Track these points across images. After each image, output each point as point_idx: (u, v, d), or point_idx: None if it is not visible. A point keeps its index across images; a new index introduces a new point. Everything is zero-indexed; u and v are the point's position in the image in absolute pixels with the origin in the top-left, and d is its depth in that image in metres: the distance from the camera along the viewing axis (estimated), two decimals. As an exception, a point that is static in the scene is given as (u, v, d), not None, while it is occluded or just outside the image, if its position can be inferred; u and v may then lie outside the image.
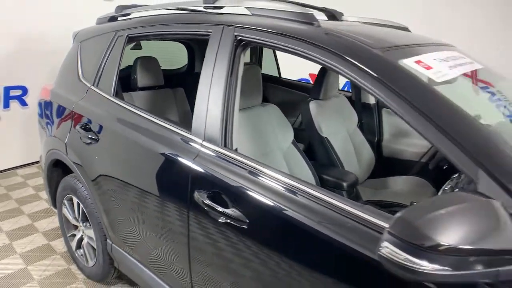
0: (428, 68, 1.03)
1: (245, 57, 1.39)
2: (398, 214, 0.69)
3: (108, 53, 1.92)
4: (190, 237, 1.33)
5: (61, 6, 3.71)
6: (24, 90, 3.72)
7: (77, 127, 1.91)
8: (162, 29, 1.69)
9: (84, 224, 2.15)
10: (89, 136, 1.82)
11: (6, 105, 3.67)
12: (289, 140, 1.87)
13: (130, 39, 1.85)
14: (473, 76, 1.55)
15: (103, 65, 1.94)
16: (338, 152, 2.09)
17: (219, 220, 1.19)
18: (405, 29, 1.98)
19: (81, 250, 2.25)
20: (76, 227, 2.26)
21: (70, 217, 2.25)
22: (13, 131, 3.73)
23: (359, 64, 1.00)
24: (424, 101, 0.89)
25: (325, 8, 2.08)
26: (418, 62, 1.04)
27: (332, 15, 2.01)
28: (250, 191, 1.16)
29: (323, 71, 2.18)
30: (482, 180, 0.78)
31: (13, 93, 3.66)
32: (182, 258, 1.41)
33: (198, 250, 1.34)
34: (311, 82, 5.07)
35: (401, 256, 0.66)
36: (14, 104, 3.70)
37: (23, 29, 3.52)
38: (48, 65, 3.47)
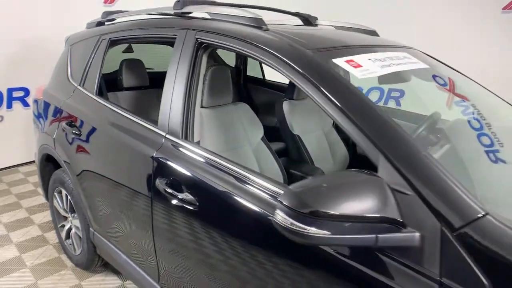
0: (357, 66, 1.15)
1: (207, 58, 1.52)
2: (289, 187, 0.81)
3: (93, 55, 2.08)
4: (154, 220, 1.47)
5: (62, 12, 3.89)
6: (26, 92, 3.91)
7: (63, 123, 2.07)
8: (139, 33, 1.84)
9: (72, 215, 2.30)
10: (73, 132, 1.97)
11: (9, 106, 3.86)
12: (259, 137, 1.99)
13: (112, 42, 2.01)
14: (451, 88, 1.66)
15: (88, 66, 2.09)
16: (309, 149, 2.20)
17: (175, 203, 1.32)
18: (373, 32, 2.08)
19: (70, 240, 2.40)
20: (65, 218, 2.41)
21: (60, 209, 2.41)
22: (16, 131, 3.91)
23: (290, 63, 1.12)
24: (342, 97, 1.01)
25: (298, 13, 2.21)
26: (348, 61, 1.16)
27: (307, 20, 2.14)
28: (200, 177, 1.29)
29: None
30: (381, 164, 0.89)
31: (16, 94, 3.86)
32: (148, 241, 1.55)
33: (160, 233, 1.47)
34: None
35: (289, 222, 0.77)
36: (17, 104, 3.89)
37: (26, 34, 3.70)
38: (49, 67, 3.65)
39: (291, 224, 0.76)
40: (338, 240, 0.77)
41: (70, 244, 2.40)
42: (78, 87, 2.12)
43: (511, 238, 0.75)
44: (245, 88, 3.17)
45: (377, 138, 0.92)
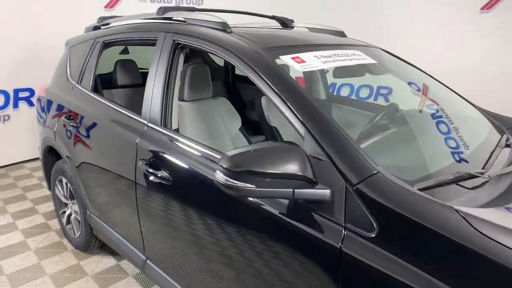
0: (301, 62, 1.37)
1: (184, 57, 1.76)
2: (226, 153, 1.03)
3: (89, 56, 2.33)
4: (137, 197, 1.70)
5: (65, 17, 4.15)
6: (32, 92, 4.17)
7: (63, 117, 2.32)
8: (127, 36, 2.09)
9: (72, 201, 2.55)
10: (71, 124, 2.22)
11: (15, 106, 4.14)
12: (237, 127, 2.22)
13: (105, 45, 2.25)
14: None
15: (85, 66, 2.34)
16: (285, 139, 2.43)
17: (153, 179, 1.56)
18: (341, 33, 2.30)
19: (70, 225, 2.64)
20: (66, 205, 2.65)
21: (61, 196, 2.65)
22: (22, 129, 4.17)
23: (245, 60, 1.35)
24: (280, 86, 1.23)
25: (275, 16, 2.44)
26: (294, 57, 1.38)
27: (283, 22, 2.37)
28: (173, 157, 1.52)
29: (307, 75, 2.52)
30: (306, 138, 1.12)
31: (21, 94, 4.13)
32: (134, 216, 1.78)
33: (143, 207, 1.71)
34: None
35: (225, 179, 0.99)
36: (23, 104, 4.16)
37: (31, 38, 3.97)
38: (53, 69, 3.91)
39: (226, 180, 0.99)
40: (261, 192, 0.99)
41: (70, 229, 2.64)
42: (76, 85, 2.36)
43: (395, 190, 0.97)
44: (233, 86, 3.40)
45: (304, 119, 1.15)
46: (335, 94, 5.46)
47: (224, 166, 0.98)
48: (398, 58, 2.13)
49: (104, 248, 2.60)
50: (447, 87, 2.13)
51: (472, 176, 1.12)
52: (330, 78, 2.49)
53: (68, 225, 2.67)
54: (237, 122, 2.23)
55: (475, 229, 0.84)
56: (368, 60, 1.70)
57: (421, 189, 0.99)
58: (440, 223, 0.88)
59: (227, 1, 5.27)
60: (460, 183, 1.10)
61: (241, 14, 2.39)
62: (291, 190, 0.99)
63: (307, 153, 1.09)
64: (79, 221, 2.49)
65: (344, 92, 5.25)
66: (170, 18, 1.90)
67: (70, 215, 2.61)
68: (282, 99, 1.21)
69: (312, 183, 1.02)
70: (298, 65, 1.35)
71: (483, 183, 1.12)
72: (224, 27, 1.56)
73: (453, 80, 4.27)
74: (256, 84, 1.31)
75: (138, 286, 2.28)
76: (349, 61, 1.58)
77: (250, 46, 1.41)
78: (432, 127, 1.61)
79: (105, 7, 4.57)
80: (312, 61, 1.41)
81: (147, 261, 1.84)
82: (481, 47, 4.22)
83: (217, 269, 1.38)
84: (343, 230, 1.00)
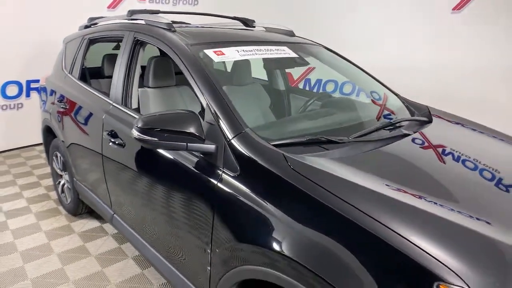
0: (221, 54, 1.77)
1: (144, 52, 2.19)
2: (140, 116, 1.45)
3: (78, 50, 2.80)
4: (103, 160, 2.15)
5: (71, 16, 4.64)
6: (42, 83, 4.72)
7: (56, 101, 2.80)
8: (105, 34, 2.54)
9: (64, 172, 3.03)
10: (61, 106, 2.69)
11: (28, 95, 4.69)
12: (197, 111, 2.63)
13: (90, 41, 2.72)
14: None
15: (75, 58, 2.81)
16: None
17: (113, 145, 2.00)
18: (290, 32, 2.68)
19: (64, 194, 3.13)
20: (60, 176, 3.15)
21: (57, 169, 3.15)
22: (33, 116, 4.70)
23: (176, 53, 1.76)
24: (197, 74, 1.63)
25: (236, 17, 2.84)
26: (215, 51, 1.78)
27: (245, 22, 2.77)
28: (125, 128, 1.94)
29: (235, 64, 2.93)
30: (206, 110, 1.53)
31: (33, 85, 4.67)
32: (102, 177, 2.24)
33: (107, 168, 2.17)
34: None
35: (137, 134, 1.41)
36: (34, 94, 4.70)
37: (41, 36, 4.49)
38: (59, 63, 4.45)
39: (138, 135, 1.41)
40: (162, 144, 1.40)
41: (64, 196, 3.13)
42: (68, 74, 2.84)
43: (252, 144, 1.37)
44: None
45: (206, 96, 1.55)
46: (321, 89, 5.85)
47: (137, 125, 1.40)
48: (337, 55, 2.53)
49: (91, 214, 3.08)
50: (375, 78, 2.50)
51: (330, 141, 1.49)
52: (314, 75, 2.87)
53: (62, 194, 3.16)
54: (197, 107, 2.64)
55: (290, 166, 1.24)
56: (290, 55, 2.09)
57: (276, 145, 1.38)
58: (273, 163, 1.27)
59: (219, 2, 5.72)
60: (324, 145, 1.48)
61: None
62: (185, 143, 1.41)
63: (205, 120, 1.50)
64: (70, 188, 2.97)
65: (329, 87, 5.60)
66: (135, 20, 2.33)
67: (63, 184, 3.10)
68: (195, 82, 1.62)
69: (201, 140, 1.43)
70: (216, 57, 1.76)
71: (342, 147, 1.49)
72: (169, 27, 1.98)
73: (425, 77, 4.58)
74: (182, 71, 1.72)
75: (115, 243, 2.73)
76: (269, 55, 1.98)
77: (183, 42, 1.82)
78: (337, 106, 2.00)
79: (108, 7, 5.07)
80: (231, 53, 1.82)
81: (114, 215, 2.29)
82: (451, 46, 4.48)
83: (152, 209, 1.81)
84: (221, 172, 1.40)
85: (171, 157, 1.64)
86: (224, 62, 4.01)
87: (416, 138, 1.68)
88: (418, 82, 4.75)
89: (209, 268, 1.47)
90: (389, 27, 4.85)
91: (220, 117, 1.47)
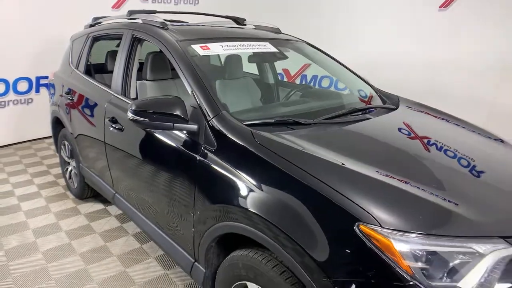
0: (206, 48, 2.02)
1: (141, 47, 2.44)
2: (134, 101, 1.71)
3: (83, 47, 3.07)
4: (106, 144, 2.42)
5: (79, 15, 4.92)
6: (50, 79, 5.01)
7: (64, 93, 3.08)
8: (107, 32, 2.81)
9: (72, 159, 3.31)
10: (68, 98, 2.97)
11: (37, 90, 4.99)
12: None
13: (94, 39, 2.99)
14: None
15: (81, 54, 3.09)
16: None
17: (113, 130, 2.27)
18: (277, 29, 2.93)
19: (71, 179, 3.41)
20: (68, 163, 3.43)
21: (64, 156, 3.43)
22: (42, 110, 4.99)
23: (167, 48, 2.01)
24: (184, 66, 1.88)
25: (228, 16, 3.09)
26: (202, 46, 2.03)
27: (236, 21, 3.02)
28: (124, 114, 2.20)
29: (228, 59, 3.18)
30: (191, 96, 1.78)
31: (42, 81, 4.97)
32: (104, 159, 2.51)
33: (109, 151, 2.43)
34: (284, 76, 6.02)
35: (131, 116, 1.66)
36: (43, 89, 5.00)
37: (50, 34, 4.78)
38: (66, 60, 4.73)
39: (132, 116, 1.66)
40: (152, 124, 1.66)
41: (71, 182, 3.41)
42: (74, 69, 3.12)
43: (227, 123, 1.61)
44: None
45: (191, 84, 1.81)
46: (316, 85, 6.07)
47: (132, 108, 1.66)
48: (319, 50, 2.77)
49: (96, 198, 3.36)
50: (351, 71, 2.73)
51: (297, 122, 1.74)
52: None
53: (70, 180, 3.44)
54: (190, 98, 2.90)
55: (255, 140, 1.49)
56: (271, 50, 2.34)
57: (248, 125, 1.62)
58: (242, 138, 1.53)
59: (220, 1, 5.97)
60: (291, 126, 1.72)
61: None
62: (171, 124, 1.66)
63: (190, 104, 1.75)
64: (76, 174, 3.25)
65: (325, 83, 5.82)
66: (134, 19, 2.59)
67: (71, 171, 3.38)
68: (182, 73, 1.88)
69: (185, 121, 1.68)
70: (202, 51, 2.02)
71: (307, 127, 1.73)
72: (163, 25, 2.24)
73: (413, 72, 4.79)
74: (172, 63, 1.98)
75: (117, 222, 3.01)
76: (251, 50, 2.24)
77: (173, 38, 2.07)
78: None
79: (112, 7, 5.34)
80: (215, 48, 2.07)
81: (116, 194, 2.56)
82: (438, 43, 4.68)
83: (147, 185, 2.08)
84: (202, 148, 1.66)
85: (162, 138, 1.90)
86: (219, 58, 4.30)
87: (375, 121, 1.92)
88: (406, 77, 4.97)
89: (193, 229, 1.73)
90: (378, 25, 5.06)
91: (202, 101, 1.73)
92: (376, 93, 2.54)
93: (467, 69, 4.51)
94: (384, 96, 2.51)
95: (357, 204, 1.16)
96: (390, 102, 2.39)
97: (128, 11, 2.59)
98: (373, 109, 2.18)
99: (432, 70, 4.79)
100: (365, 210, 1.14)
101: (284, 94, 2.82)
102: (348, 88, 2.70)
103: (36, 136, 5.14)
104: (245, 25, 2.99)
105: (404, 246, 1.08)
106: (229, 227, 1.49)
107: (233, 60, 2.46)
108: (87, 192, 3.25)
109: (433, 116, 2.23)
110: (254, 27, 2.92)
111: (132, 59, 2.41)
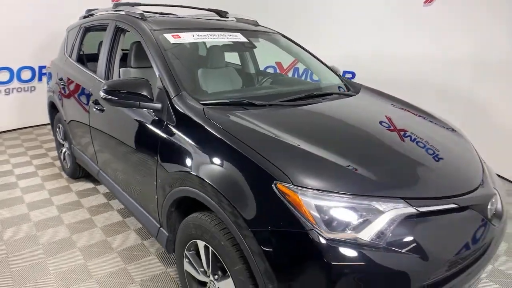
0: (177, 37, 2.23)
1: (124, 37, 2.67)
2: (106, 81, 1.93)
3: (76, 37, 3.31)
4: (90, 124, 2.67)
5: (80, 7, 5.17)
6: (52, 69, 5.28)
7: (57, 80, 3.33)
8: (96, 23, 3.04)
9: (65, 141, 3.57)
10: (61, 84, 3.22)
11: (40, 79, 5.27)
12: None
13: (86, 29, 3.22)
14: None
15: (74, 44, 3.33)
16: None
17: (95, 110, 2.51)
18: (255, 22, 3.13)
19: (65, 161, 3.67)
20: (62, 145, 3.68)
21: (59, 139, 3.69)
22: (45, 98, 5.24)
23: (143, 37, 2.23)
24: (154, 53, 2.10)
25: (210, 9, 3.30)
26: (173, 35, 2.24)
27: (219, 13, 3.23)
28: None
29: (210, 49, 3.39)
30: (158, 79, 2.00)
31: (44, 70, 5.23)
32: (89, 139, 2.75)
33: (93, 131, 2.67)
34: (277, 69, 6.20)
35: (103, 95, 1.89)
36: (45, 78, 5.26)
37: (52, 25, 5.03)
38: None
39: (104, 95, 1.88)
40: (121, 102, 1.87)
41: (65, 162, 3.67)
42: (68, 58, 3.36)
43: (185, 102, 1.82)
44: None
45: (158, 68, 2.02)
46: (308, 78, 6.24)
47: (104, 88, 1.89)
48: (292, 42, 2.97)
49: (87, 178, 3.61)
50: (321, 61, 2.92)
51: (252, 104, 1.94)
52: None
53: (64, 161, 3.70)
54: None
55: (206, 116, 1.70)
56: (241, 40, 2.54)
57: (204, 104, 1.83)
58: (195, 114, 1.74)
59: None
60: (247, 107, 1.93)
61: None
62: (138, 102, 1.88)
63: (157, 86, 1.97)
64: (69, 155, 3.51)
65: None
66: (119, 11, 2.81)
67: (65, 152, 3.64)
68: (153, 58, 2.10)
69: (151, 100, 1.90)
70: (173, 39, 2.23)
71: (261, 108, 1.94)
72: (141, 16, 2.45)
73: (398, 67, 4.93)
74: (145, 50, 2.20)
75: (104, 199, 3.25)
76: (221, 39, 2.44)
77: (148, 28, 2.29)
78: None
79: (112, 0, 5.58)
80: (186, 37, 2.28)
81: (100, 170, 2.80)
82: (424, 38, 4.81)
83: (121, 158, 2.31)
84: (164, 123, 1.88)
85: (134, 117, 2.12)
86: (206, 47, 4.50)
87: (326, 104, 2.12)
88: (393, 72, 5.12)
89: (156, 196, 1.95)
90: (364, 21, 5.22)
91: (167, 83, 1.94)
92: (342, 81, 2.73)
93: (445, 63, 4.63)
94: (349, 84, 2.69)
95: (277, 167, 1.37)
96: (353, 90, 2.58)
97: (114, 3, 2.82)
98: (333, 94, 2.38)
99: (416, 65, 4.93)
100: (282, 171, 1.35)
101: (258, 81, 3.03)
102: (317, 76, 2.90)
103: (38, 122, 5.43)
104: (227, 17, 3.20)
105: (310, 201, 1.28)
106: (183, 191, 1.71)
107: (216, 52, 2.68)
108: (78, 172, 3.51)
109: (383, 100, 2.43)
110: (235, 20, 3.13)
111: (115, 47, 2.63)
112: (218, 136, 1.59)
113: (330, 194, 1.30)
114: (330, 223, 1.28)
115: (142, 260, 2.42)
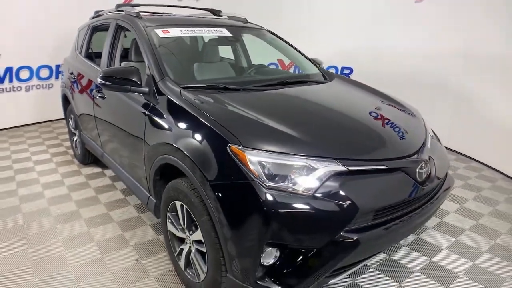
0: (166, 32, 2.56)
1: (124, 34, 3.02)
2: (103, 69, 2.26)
3: (85, 36, 3.70)
4: (95, 111, 3.03)
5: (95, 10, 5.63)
6: (68, 67, 5.72)
7: (69, 74, 3.72)
8: (101, 23, 3.41)
9: (76, 130, 3.96)
10: (72, 78, 3.61)
11: (57, 77, 5.72)
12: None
13: (93, 28, 3.60)
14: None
15: (83, 42, 3.72)
16: None
17: (98, 98, 2.87)
18: (244, 19, 3.44)
19: (76, 148, 4.07)
20: (74, 134, 4.08)
21: (71, 128, 4.09)
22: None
23: (136, 33, 2.57)
24: (144, 47, 2.43)
25: (205, 8, 3.63)
26: (163, 30, 2.57)
27: (213, 12, 3.56)
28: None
29: (204, 46, 3.72)
30: (146, 66, 2.33)
31: (61, 69, 5.69)
32: (94, 124, 3.12)
33: (97, 116, 3.03)
34: (279, 66, 6.49)
35: (100, 81, 2.22)
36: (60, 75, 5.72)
37: (67, 27, 5.46)
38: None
39: (100, 81, 2.22)
40: (113, 87, 2.21)
41: (76, 149, 4.07)
42: (78, 54, 3.75)
43: (166, 85, 2.14)
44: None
45: (147, 58, 2.35)
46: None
47: (100, 75, 2.23)
48: (278, 37, 3.26)
49: (96, 163, 3.99)
50: (302, 54, 3.20)
51: (227, 88, 2.24)
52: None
53: (75, 148, 4.10)
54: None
55: (182, 97, 2.01)
56: (225, 34, 2.86)
57: (183, 88, 2.15)
58: (173, 95, 2.06)
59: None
60: (222, 91, 2.23)
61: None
62: (129, 87, 2.22)
63: (146, 73, 2.30)
64: (79, 142, 3.90)
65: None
66: (120, 11, 3.17)
67: (76, 140, 4.03)
68: (144, 50, 2.43)
69: (139, 85, 2.23)
70: (163, 34, 2.56)
71: (236, 92, 2.24)
72: (138, 15, 2.79)
73: (390, 63, 5.14)
74: (138, 43, 2.53)
75: (110, 181, 3.62)
76: (206, 34, 2.76)
77: (142, 24, 2.63)
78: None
79: (125, 1, 5.98)
80: (174, 32, 2.62)
81: (104, 153, 3.16)
82: (416, 34, 5.00)
83: (118, 137, 2.66)
84: (150, 104, 2.21)
85: (129, 101, 2.46)
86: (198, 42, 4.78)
87: (295, 89, 2.41)
88: (386, 67, 5.33)
89: (144, 167, 2.28)
90: (360, 19, 5.45)
91: (153, 69, 2.28)
92: (320, 71, 3.00)
93: (436, 58, 4.80)
94: (326, 74, 2.96)
95: (231, 133, 1.67)
96: (329, 79, 2.85)
97: (116, 4, 3.18)
98: (308, 82, 2.66)
99: (409, 60, 5.12)
100: (235, 136, 1.65)
101: (242, 72, 3.34)
102: (298, 67, 3.18)
103: (56, 117, 5.88)
104: (221, 16, 3.52)
105: (254, 158, 1.57)
106: (164, 159, 2.02)
107: (211, 47, 3.03)
108: (88, 158, 3.89)
109: (349, 86, 2.71)
110: (227, 18, 3.45)
111: (116, 42, 2.99)
112: (188, 110, 1.91)
113: (271, 153, 1.59)
114: (270, 176, 1.56)
115: (138, 229, 2.76)
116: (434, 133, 2.40)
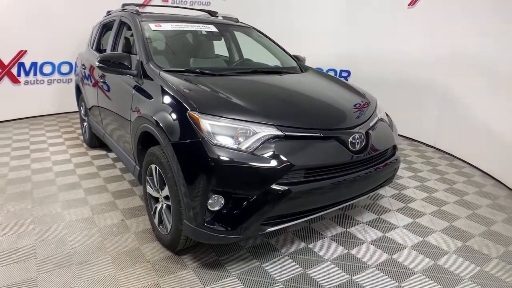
0: (158, 26, 2.96)
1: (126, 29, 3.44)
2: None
3: (97, 32, 4.18)
4: (97, 96, 3.45)
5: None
6: (86, 64, 6.26)
7: (81, 66, 4.20)
8: (109, 20, 3.86)
9: (86, 117, 4.42)
10: (83, 69, 4.07)
11: (76, 72, 6.26)
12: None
13: (103, 25, 4.07)
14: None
15: (95, 37, 4.19)
16: None
17: (100, 84, 3.29)
18: (235, 19, 3.82)
19: (85, 133, 4.52)
20: (84, 120, 4.54)
21: (82, 115, 4.56)
22: (79, 88, 6.28)
23: (133, 25, 2.98)
24: (138, 39, 2.83)
25: (203, 9, 4.04)
26: (156, 25, 2.97)
27: (210, 13, 3.96)
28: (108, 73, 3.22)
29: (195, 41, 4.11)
30: (137, 54, 2.72)
31: (79, 65, 6.23)
32: (97, 107, 3.54)
33: (100, 100, 3.45)
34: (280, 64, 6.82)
35: (97, 64, 2.62)
36: (80, 72, 6.26)
37: (84, 27, 6.02)
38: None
39: (98, 64, 2.62)
40: (109, 69, 2.61)
41: (85, 134, 4.53)
42: (90, 49, 4.23)
43: (150, 68, 2.52)
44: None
45: (138, 47, 2.75)
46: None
47: (97, 59, 2.63)
48: (264, 35, 3.62)
49: (102, 147, 4.43)
50: (284, 50, 3.54)
51: (212, 74, 2.60)
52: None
53: (85, 133, 4.56)
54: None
55: (160, 76, 2.38)
56: (212, 30, 3.23)
57: (164, 70, 2.52)
58: (154, 75, 2.43)
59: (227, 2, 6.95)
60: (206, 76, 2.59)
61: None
62: (121, 69, 2.61)
63: (136, 59, 2.69)
64: (88, 127, 4.35)
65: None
66: (124, 10, 3.61)
67: (85, 126, 4.49)
68: (136, 40, 2.83)
69: (129, 68, 2.62)
70: (155, 27, 2.96)
71: (213, 76, 2.59)
72: (137, 12, 3.21)
73: (384, 66, 5.38)
74: (133, 35, 2.94)
75: (111, 162, 4.04)
76: (194, 29, 3.14)
77: (138, 20, 3.04)
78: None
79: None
80: (166, 26, 3.01)
81: (105, 133, 3.58)
82: (408, 38, 5.24)
83: (114, 115, 3.06)
84: (137, 83, 2.59)
85: (123, 83, 2.86)
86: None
87: (263, 76, 2.74)
88: (380, 70, 5.57)
89: (131, 139, 2.66)
90: (352, 24, 5.73)
91: (142, 55, 2.67)
92: (298, 65, 3.32)
93: (425, 60, 5.01)
94: (303, 68, 3.29)
95: (191, 102, 2.02)
96: (304, 71, 3.18)
97: (123, 4, 3.63)
98: (282, 72, 3.00)
99: (401, 62, 5.35)
100: (193, 104, 2.00)
101: (230, 64, 3.70)
102: (280, 61, 3.52)
103: (73, 109, 6.39)
104: (217, 16, 3.92)
105: (206, 121, 1.92)
106: (143, 128, 2.38)
107: (206, 44, 3.43)
108: (94, 141, 4.33)
109: (318, 76, 3.03)
110: (222, 17, 3.84)
111: (119, 36, 3.42)
112: (162, 85, 2.28)
113: (220, 118, 1.93)
114: (217, 135, 1.90)
115: (128, 198, 3.14)
116: (388, 118, 2.68)
